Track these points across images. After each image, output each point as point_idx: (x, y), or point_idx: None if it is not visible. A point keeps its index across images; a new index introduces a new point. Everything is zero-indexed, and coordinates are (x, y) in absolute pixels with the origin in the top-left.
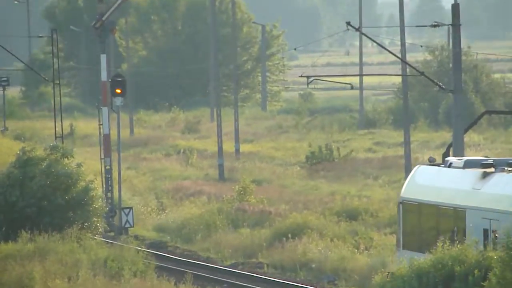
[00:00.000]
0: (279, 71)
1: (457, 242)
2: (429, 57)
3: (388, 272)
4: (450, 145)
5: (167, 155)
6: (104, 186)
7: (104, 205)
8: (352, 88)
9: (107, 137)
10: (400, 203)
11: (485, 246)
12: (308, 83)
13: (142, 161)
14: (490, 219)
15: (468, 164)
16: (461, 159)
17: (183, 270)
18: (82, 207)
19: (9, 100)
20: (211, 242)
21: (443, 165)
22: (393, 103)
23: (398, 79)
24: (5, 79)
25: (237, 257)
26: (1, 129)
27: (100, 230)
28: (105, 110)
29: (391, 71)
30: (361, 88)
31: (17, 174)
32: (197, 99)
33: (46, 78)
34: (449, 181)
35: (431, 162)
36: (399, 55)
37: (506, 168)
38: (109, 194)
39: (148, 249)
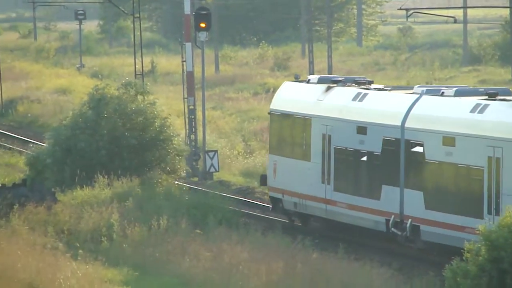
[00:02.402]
0: (376, 4)
1: (304, 147)
2: None
3: None
4: None
5: (255, 94)
6: (187, 127)
7: (184, 144)
8: (455, 21)
9: (190, 75)
10: (269, 113)
11: (323, 148)
12: (407, 16)
13: (228, 100)
14: (327, 125)
15: (322, 80)
16: (317, 76)
17: (272, 219)
18: (159, 146)
19: (85, 35)
20: None
21: (305, 82)
22: (500, 37)
23: (506, 12)
24: (81, 12)
25: None
26: (77, 65)
27: (182, 172)
28: (188, 45)
29: (498, 2)
30: (465, 21)
31: (91, 114)
32: (287, 33)
33: (126, 11)
34: (304, 94)
35: (296, 78)
36: None
37: (346, 84)
38: (192, 136)
39: (235, 195)
